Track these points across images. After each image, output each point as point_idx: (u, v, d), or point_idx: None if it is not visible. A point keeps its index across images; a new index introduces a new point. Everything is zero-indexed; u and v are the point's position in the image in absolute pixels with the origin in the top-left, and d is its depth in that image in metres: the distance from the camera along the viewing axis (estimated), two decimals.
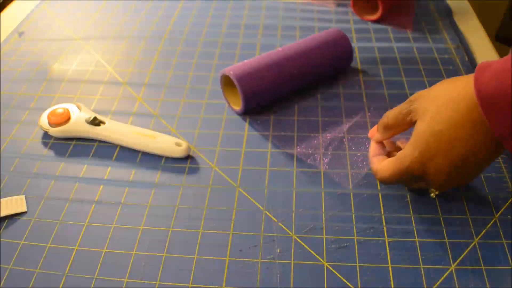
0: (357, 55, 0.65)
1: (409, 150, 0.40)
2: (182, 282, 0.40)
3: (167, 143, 0.50)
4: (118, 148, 0.52)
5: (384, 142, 0.47)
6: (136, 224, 0.44)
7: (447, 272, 0.40)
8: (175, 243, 0.43)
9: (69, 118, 0.53)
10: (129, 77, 0.62)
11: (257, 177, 0.48)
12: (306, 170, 0.49)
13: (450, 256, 0.41)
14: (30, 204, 0.46)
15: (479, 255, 0.41)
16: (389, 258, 0.41)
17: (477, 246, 0.41)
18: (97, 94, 0.59)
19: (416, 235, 0.43)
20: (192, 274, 0.40)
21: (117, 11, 0.77)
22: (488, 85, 0.36)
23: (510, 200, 0.45)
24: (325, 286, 0.39)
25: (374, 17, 0.72)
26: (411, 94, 0.58)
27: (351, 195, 0.46)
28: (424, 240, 0.42)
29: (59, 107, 0.53)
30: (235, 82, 0.53)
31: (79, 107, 0.54)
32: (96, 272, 0.40)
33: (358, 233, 0.43)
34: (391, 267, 0.40)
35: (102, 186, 0.48)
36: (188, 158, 0.51)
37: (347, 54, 0.60)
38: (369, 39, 0.68)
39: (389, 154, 0.46)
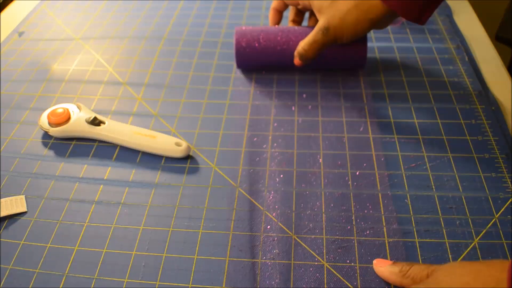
0: None
1: (323, 23, 0.53)
2: (182, 282, 0.40)
3: (167, 143, 0.50)
4: (118, 148, 0.52)
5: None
6: (136, 224, 0.44)
7: None
8: (175, 243, 0.43)
9: (69, 118, 0.53)
10: (129, 77, 0.62)
11: (257, 177, 0.48)
12: (306, 170, 0.49)
13: (450, 256, 0.41)
14: (30, 204, 0.46)
15: (479, 255, 0.41)
16: (389, 258, 0.41)
17: (477, 246, 0.41)
18: (97, 94, 0.59)
19: (416, 235, 0.43)
20: (192, 274, 0.40)
21: (117, 11, 0.77)
22: None
23: (510, 200, 0.45)
24: (325, 286, 0.39)
25: None
26: (411, 94, 0.58)
27: (351, 195, 0.46)
28: (424, 240, 0.42)
29: (59, 107, 0.53)
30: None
31: (79, 107, 0.54)
32: (96, 272, 0.40)
33: (358, 233, 0.43)
34: None
35: (102, 186, 0.48)
36: (188, 158, 0.51)
37: (360, 54, 0.58)
38: (369, 39, 0.68)
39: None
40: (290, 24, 0.62)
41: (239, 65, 0.61)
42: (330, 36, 0.53)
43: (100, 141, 0.53)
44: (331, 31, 0.52)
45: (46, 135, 0.54)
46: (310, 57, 0.55)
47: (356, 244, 0.42)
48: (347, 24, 0.52)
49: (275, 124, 0.54)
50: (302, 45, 0.55)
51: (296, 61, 0.56)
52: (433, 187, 0.47)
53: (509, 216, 0.44)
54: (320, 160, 0.50)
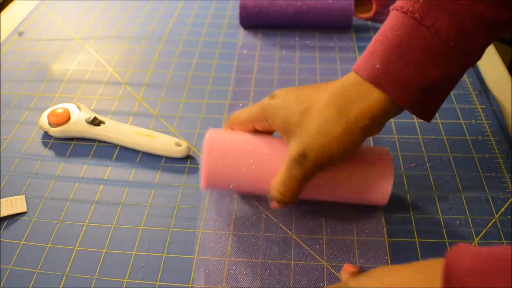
0: (357, 55, 0.65)
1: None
2: (182, 282, 0.40)
3: (167, 143, 0.50)
4: (118, 148, 0.52)
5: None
6: (136, 224, 0.44)
7: None
8: (175, 243, 0.43)
9: (69, 118, 0.53)
10: (129, 77, 0.62)
11: None
12: None
13: None
14: (30, 204, 0.46)
15: None
16: (389, 258, 0.41)
17: None
18: (97, 94, 0.59)
19: (416, 235, 0.43)
20: (192, 274, 0.40)
21: (117, 11, 0.77)
22: None
23: (510, 200, 0.45)
24: (325, 286, 0.39)
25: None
26: None
27: None
28: (424, 240, 0.42)
29: (59, 107, 0.53)
30: None
31: (79, 107, 0.54)
32: (96, 272, 0.40)
33: (358, 233, 0.43)
34: None
35: (102, 186, 0.48)
36: (188, 158, 0.51)
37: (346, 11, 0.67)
38: (370, 39, 0.68)
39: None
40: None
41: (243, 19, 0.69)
42: (310, 164, 0.36)
43: (100, 141, 0.53)
44: (310, 158, 0.36)
45: (46, 135, 0.54)
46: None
47: (356, 244, 0.42)
48: (331, 142, 0.36)
49: None
50: (276, 186, 0.38)
51: (273, 205, 0.40)
52: (433, 187, 0.47)
53: (509, 216, 0.44)
54: None
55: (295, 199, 0.38)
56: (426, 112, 0.37)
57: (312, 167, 0.37)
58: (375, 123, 0.37)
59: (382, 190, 0.41)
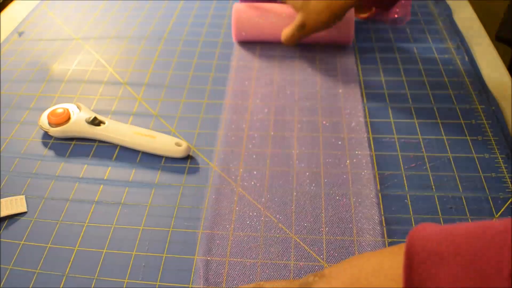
0: (357, 55, 0.65)
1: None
2: (182, 282, 0.40)
3: (167, 143, 0.50)
4: (118, 148, 0.52)
5: None
6: (136, 224, 0.44)
7: None
8: (175, 243, 0.43)
9: (69, 118, 0.53)
10: (129, 77, 0.62)
11: (257, 177, 0.48)
12: (306, 170, 0.49)
13: None
14: (30, 204, 0.46)
15: None
16: None
17: None
18: (97, 94, 0.59)
19: None
20: (192, 274, 0.40)
21: (117, 11, 0.77)
22: None
23: (510, 200, 0.45)
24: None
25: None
26: (411, 94, 0.58)
27: (351, 195, 0.46)
28: None
29: (59, 107, 0.53)
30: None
31: (79, 107, 0.54)
32: (96, 272, 0.40)
33: (358, 233, 0.43)
34: None
35: (102, 186, 0.48)
36: (188, 158, 0.51)
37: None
38: (369, 39, 0.68)
39: None
40: None
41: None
42: (306, 31, 0.62)
43: (100, 141, 0.53)
44: (307, 28, 0.62)
45: (46, 135, 0.54)
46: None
47: (356, 244, 0.42)
48: (319, 22, 0.61)
49: (275, 125, 0.54)
50: (284, 36, 0.64)
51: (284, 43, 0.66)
52: (433, 187, 0.47)
53: (509, 216, 0.44)
54: (321, 160, 0.50)
55: (295, 43, 0.65)
56: (381, 6, 0.63)
57: (306, 32, 0.62)
58: (346, 10, 0.59)
59: (348, 27, 0.64)
